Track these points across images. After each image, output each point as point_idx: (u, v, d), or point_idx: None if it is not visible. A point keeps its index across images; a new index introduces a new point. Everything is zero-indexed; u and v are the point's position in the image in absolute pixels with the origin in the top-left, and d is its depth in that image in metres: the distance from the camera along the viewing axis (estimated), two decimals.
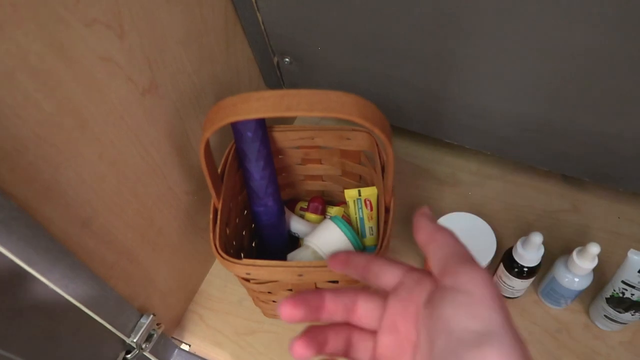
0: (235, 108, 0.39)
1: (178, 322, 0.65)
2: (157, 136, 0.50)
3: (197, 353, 0.63)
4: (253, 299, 0.59)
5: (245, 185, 0.57)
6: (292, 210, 0.65)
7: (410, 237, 0.68)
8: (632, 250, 0.50)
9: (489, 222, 0.59)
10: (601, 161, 0.58)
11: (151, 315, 0.53)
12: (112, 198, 0.46)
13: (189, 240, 0.61)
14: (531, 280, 0.58)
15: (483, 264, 0.57)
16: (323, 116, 0.38)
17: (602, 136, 0.55)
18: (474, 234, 0.59)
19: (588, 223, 0.67)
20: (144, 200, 0.50)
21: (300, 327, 0.65)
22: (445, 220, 0.60)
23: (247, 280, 0.50)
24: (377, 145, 0.54)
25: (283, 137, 0.57)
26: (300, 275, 0.47)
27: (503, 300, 0.23)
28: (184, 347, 0.63)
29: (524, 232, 0.60)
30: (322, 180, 0.64)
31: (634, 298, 0.52)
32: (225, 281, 0.67)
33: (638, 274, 0.50)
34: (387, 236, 0.48)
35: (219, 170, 0.53)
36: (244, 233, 0.62)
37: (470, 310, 0.22)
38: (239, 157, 0.55)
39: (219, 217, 0.50)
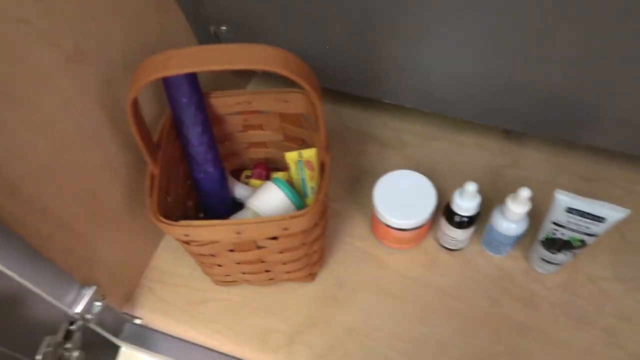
0: (157, 65, 0.39)
1: (129, 297, 0.65)
2: (87, 105, 0.49)
3: (149, 325, 0.63)
4: (201, 268, 0.59)
5: (185, 153, 0.56)
6: (238, 179, 0.66)
7: (356, 200, 0.69)
8: (557, 190, 0.52)
9: (434, 181, 0.61)
10: (535, 111, 0.61)
11: (94, 287, 0.53)
12: (43, 166, 0.45)
13: (135, 214, 0.61)
14: (471, 230, 0.60)
15: (424, 217, 0.58)
16: (244, 68, 0.38)
17: (532, 86, 0.57)
18: (415, 190, 0.60)
19: (528, 175, 0.70)
20: (80, 170, 0.50)
21: (252, 294, 0.66)
22: (386, 179, 0.61)
23: (188, 243, 0.50)
24: (313, 104, 0.55)
25: (220, 103, 0.57)
26: (238, 232, 0.47)
27: None
28: (136, 321, 0.63)
29: None
30: (266, 147, 0.65)
31: (565, 238, 0.55)
32: (176, 254, 0.67)
33: (565, 213, 0.52)
34: (324, 191, 0.48)
35: (156, 139, 0.53)
36: (189, 204, 0.62)
37: None
38: (177, 125, 0.55)
39: (156, 183, 0.50)
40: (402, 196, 0.60)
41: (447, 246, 0.64)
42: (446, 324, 0.60)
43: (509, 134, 0.75)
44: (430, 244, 0.66)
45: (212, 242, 0.50)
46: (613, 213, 0.50)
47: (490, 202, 0.64)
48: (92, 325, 0.55)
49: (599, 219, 0.51)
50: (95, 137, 0.51)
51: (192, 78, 0.53)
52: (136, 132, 0.44)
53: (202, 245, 0.50)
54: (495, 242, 0.61)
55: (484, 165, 0.72)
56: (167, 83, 0.52)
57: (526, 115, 0.62)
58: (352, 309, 0.62)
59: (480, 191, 0.64)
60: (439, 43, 0.55)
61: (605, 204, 0.50)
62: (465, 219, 0.58)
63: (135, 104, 0.42)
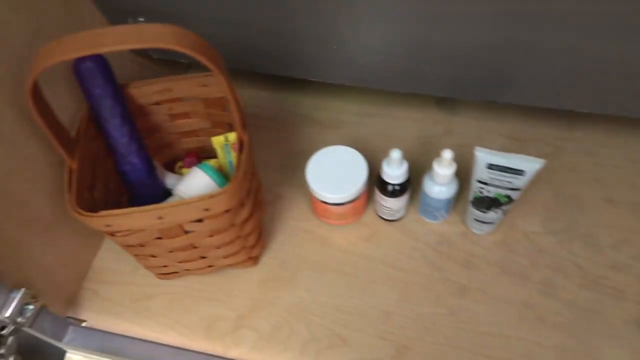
0: (50, 51, 0.39)
1: (72, 300, 0.64)
2: None
3: (94, 327, 0.62)
4: (139, 262, 0.58)
5: (108, 147, 0.56)
6: (172, 170, 0.65)
7: (296, 182, 0.70)
8: (477, 147, 0.53)
9: (371, 156, 0.62)
10: (458, 75, 0.62)
11: (22, 289, 0.52)
12: None
13: (67, 216, 0.59)
14: (404, 198, 0.61)
15: (357, 189, 0.59)
16: (138, 47, 0.38)
17: (451, 49, 0.58)
18: (346, 164, 0.61)
19: (461, 142, 0.71)
20: None
21: (196, 285, 0.66)
22: (318, 157, 0.62)
23: (113, 234, 0.49)
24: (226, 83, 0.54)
25: (139, 94, 0.57)
26: (160, 217, 0.47)
27: None
28: (82, 324, 0.62)
29: None
30: (197, 136, 0.65)
31: (491, 195, 0.56)
32: (118, 253, 0.66)
33: (487, 170, 0.53)
34: (243, 169, 0.49)
35: (74, 133, 0.53)
36: (122, 199, 0.61)
37: None
38: (96, 118, 0.54)
39: (74, 177, 0.49)
40: (334, 172, 0.60)
41: (385, 217, 0.65)
42: (389, 293, 0.61)
43: (441, 103, 0.76)
44: (370, 218, 0.67)
45: (137, 231, 0.49)
46: (530, 164, 0.51)
47: (426, 171, 0.65)
48: (28, 330, 0.54)
49: (518, 172, 0.52)
50: (9, 135, 0.50)
51: (104, 68, 0.52)
52: (42, 123, 0.43)
53: (128, 234, 0.49)
54: (430, 208, 0.62)
55: (419, 136, 0.73)
56: (78, 75, 0.51)
57: (451, 80, 0.63)
58: (297, 288, 0.62)
59: (416, 161, 0.66)
60: (354, 14, 0.56)
61: (522, 156, 0.52)
62: (397, 187, 0.59)
63: (35, 93, 0.41)
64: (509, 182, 0.53)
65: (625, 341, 0.55)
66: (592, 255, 0.61)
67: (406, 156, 0.57)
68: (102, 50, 0.38)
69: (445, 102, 0.76)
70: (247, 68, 0.70)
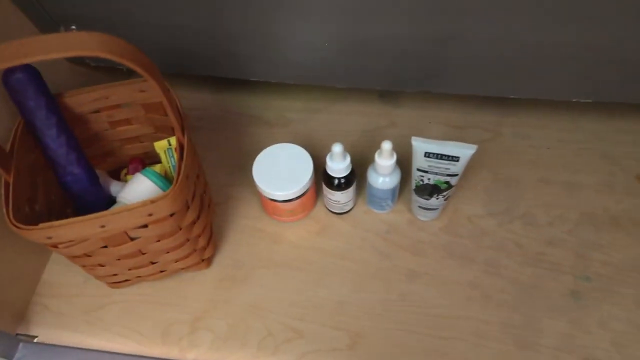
0: None
1: (22, 316, 0.62)
2: None
3: (46, 342, 0.61)
4: (87, 272, 0.57)
5: (47, 158, 0.55)
6: (118, 178, 0.65)
7: (246, 182, 0.70)
8: (413, 137, 0.55)
9: (317, 151, 0.63)
10: (394, 68, 0.64)
11: None
12: None
13: (10, 231, 0.58)
14: (350, 190, 0.63)
15: (304, 184, 0.60)
16: (65, 56, 0.38)
17: (382, 43, 0.59)
18: (292, 160, 0.62)
19: (404, 133, 0.73)
20: None
21: (150, 291, 0.66)
22: (263, 155, 0.62)
23: (56, 246, 0.49)
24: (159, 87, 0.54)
25: (76, 103, 0.56)
26: (102, 226, 0.47)
27: None
28: (30, 339, 0.61)
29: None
30: (141, 142, 0.64)
31: (431, 182, 0.58)
32: (68, 266, 0.65)
33: (425, 158, 0.55)
34: (184, 172, 0.49)
35: (9, 147, 0.52)
36: (67, 211, 0.60)
37: None
38: (31, 130, 0.53)
39: (10, 190, 0.48)
40: (280, 169, 0.61)
41: (335, 211, 0.67)
42: (341, 285, 0.62)
43: (384, 97, 0.78)
44: (320, 212, 0.68)
45: (81, 241, 0.49)
46: (464, 150, 0.54)
47: (371, 163, 0.67)
48: None
49: (453, 158, 0.54)
50: None
51: (36, 79, 0.51)
52: None
53: (71, 245, 0.49)
54: (376, 199, 0.64)
55: (364, 130, 0.75)
56: (9, 88, 0.50)
57: (387, 74, 0.65)
58: (251, 286, 0.63)
59: (362, 154, 0.67)
60: (287, 13, 0.57)
61: (456, 143, 0.54)
62: (342, 180, 0.61)
63: None
64: (446, 168, 0.56)
65: (562, 312, 0.58)
66: (531, 233, 0.64)
67: (352, 149, 0.58)
68: (27, 60, 0.38)
69: (388, 95, 0.78)
70: (188, 71, 0.70)
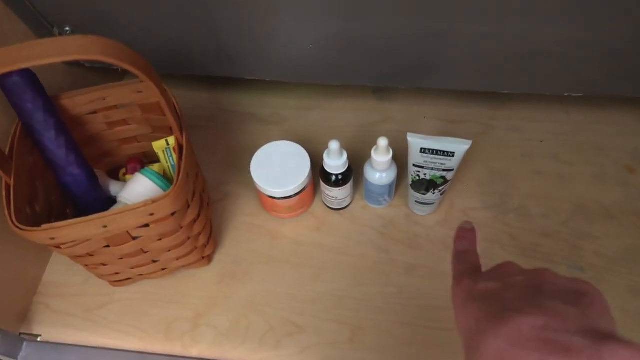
0: None
1: (24, 316, 0.63)
2: None
3: (49, 340, 0.62)
4: (89, 271, 0.58)
5: (46, 160, 0.55)
6: (117, 178, 0.65)
7: (243, 179, 0.71)
8: (408, 133, 0.56)
9: (312, 148, 0.64)
10: (385, 64, 0.65)
11: None
12: None
13: (9, 233, 0.59)
14: (348, 186, 0.63)
15: (302, 181, 0.61)
16: (63, 60, 0.38)
17: (373, 40, 0.60)
18: (289, 157, 0.63)
19: (398, 128, 0.74)
20: None
21: (151, 288, 0.66)
22: (261, 153, 0.63)
23: (59, 247, 0.49)
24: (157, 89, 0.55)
25: (73, 104, 0.56)
26: (105, 226, 0.47)
27: None
28: (33, 339, 0.62)
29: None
30: (138, 142, 0.65)
31: (427, 177, 0.59)
32: (69, 265, 0.66)
33: (420, 154, 0.56)
34: (184, 171, 0.49)
35: (7, 150, 0.52)
36: (67, 211, 0.61)
37: None
38: (29, 133, 0.54)
39: (12, 193, 0.49)
40: (278, 166, 0.62)
41: (332, 206, 0.67)
42: (340, 279, 0.63)
43: (378, 92, 0.79)
44: (318, 208, 0.69)
45: (83, 241, 0.49)
46: (459, 146, 0.54)
47: (368, 159, 0.68)
48: None
49: (448, 153, 0.55)
50: None
51: (33, 81, 0.52)
52: None
53: (74, 246, 0.49)
54: (373, 195, 0.65)
55: (359, 125, 0.75)
56: (6, 91, 0.51)
57: (380, 70, 0.66)
58: (252, 282, 0.64)
59: (357, 150, 0.68)
60: (278, 11, 0.57)
61: (451, 139, 0.55)
62: (340, 177, 0.62)
63: None
64: (442, 164, 0.57)
65: None
66: (525, 224, 0.65)
67: (348, 145, 0.59)
68: (26, 65, 0.38)
69: (382, 91, 0.79)
70: (183, 72, 0.70)
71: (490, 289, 0.30)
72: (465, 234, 0.39)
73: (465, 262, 0.36)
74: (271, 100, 0.79)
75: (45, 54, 0.38)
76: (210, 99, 0.80)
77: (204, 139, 0.75)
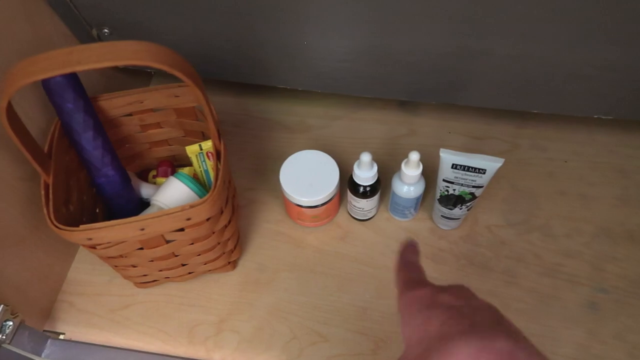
0: (24, 71, 0.39)
1: (48, 313, 0.63)
2: None
3: (72, 339, 0.62)
4: (118, 272, 0.58)
5: (82, 160, 0.56)
6: (146, 180, 0.66)
7: (268, 186, 0.71)
8: (442, 149, 0.56)
9: (338, 158, 0.64)
10: (416, 80, 0.65)
11: (1, 306, 0.51)
12: None
13: (38, 230, 0.59)
14: (375, 198, 0.64)
15: (330, 191, 0.61)
16: (115, 65, 0.39)
17: (408, 56, 0.61)
18: (318, 167, 0.63)
19: (424, 142, 0.75)
20: None
21: (175, 291, 0.66)
22: (290, 161, 0.64)
23: (94, 247, 0.50)
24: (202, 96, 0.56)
25: (110, 106, 0.57)
26: (142, 229, 0.48)
27: None
28: (56, 336, 0.62)
29: None
30: (169, 145, 0.65)
31: (456, 193, 0.60)
32: (93, 264, 0.66)
33: (452, 169, 0.57)
34: (221, 177, 0.50)
35: (46, 149, 0.52)
36: (97, 211, 0.61)
37: None
38: (68, 132, 0.54)
39: (50, 191, 0.49)
40: (307, 175, 0.62)
41: (358, 217, 0.68)
42: (364, 290, 0.63)
43: (404, 105, 0.79)
44: (343, 219, 0.69)
45: (118, 243, 0.50)
46: (491, 163, 0.55)
47: (392, 171, 0.68)
48: (8, 346, 0.53)
49: (480, 170, 0.56)
50: None
51: (75, 82, 0.52)
52: (18, 141, 0.43)
53: (109, 247, 0.50)
54: (399, 207, 0.65)
55: (383, 138, 0.76)
56: (48, 90, 0.51)
57: (411, 85, 0.66)
58: (275, 289, 0.64)
59: (382, 161, 0.69)
60: (316, 25, 0.58)
61: (483, 156, 0.55)
62: (368, 189, 0.62)
63: (10, 112, 0.41)
64: (472, 180, 0.57)
65: (579, 322, 0.60)
66: (548, 244, 0.66)
67: (373, 157, 0.59)
68: (80, 68, 0.38)
69: (408, 103, 0.80)
70: (213, 76, 0.71)
71: (454, 304, 0.31)
72: (412, 248, 0.39)
73: (415, 272, 0.37)
74: (298, 108, 0.80)
75: (100, 58, 0.39)
76: (238, 105, 0.81)
77: (229, 143, 0.76)
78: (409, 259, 0.38)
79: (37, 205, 0.58)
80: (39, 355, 0.59)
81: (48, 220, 0.48)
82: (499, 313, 0.30)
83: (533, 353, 0.27)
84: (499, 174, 0.70)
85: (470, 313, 0.29)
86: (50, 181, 0.50)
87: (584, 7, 0.50)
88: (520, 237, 0.66)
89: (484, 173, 0.56)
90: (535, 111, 0.67)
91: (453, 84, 0.65)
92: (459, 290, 0.33)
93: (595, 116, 0.66)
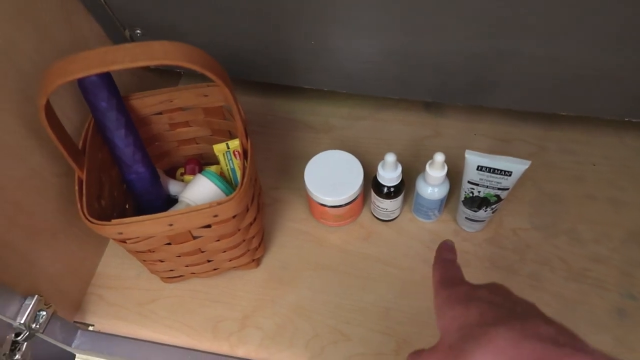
0: (61, 70, 0.40)
1: (79, 305, 0.65)
2: (3, 118, 0.50)
3: (101, 331, 0.64)
4: (146, 266, 0.60)
5: (114, 157, 0.58)
6: (173, 177, 0.67)
7: (292, 185, 0.72)
8: (467, 150, 0.56)
9: (362, 158, 0.64)
10: (443, 81, 0.65)
11: (35, 296, 0.53)
12: None
13: (71, 224, 0.61)
14: (399, 199, 0.64)
15: (354, 191, 0.61)
16: (148, 65, 0.40)
17: (436, 58, 0.61)
18: (343, 167, 0.63)
19: (449, 144, 0.75)
20: (2, 184, 0.50)
21: (200, 287, 0.67)
22: (315, 161, 0.64)
23: (124, 241, 0.51)
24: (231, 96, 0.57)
25: (142, 105, 0.58)
26: (170, 224, 0.49)
27: None
28: (89, 328, 0.64)
29: None
30: (197, 143, 0.67)
31: (481, 195, 0.59)
32: (122, 259, 0.68)
33: (477, 171, 0.57)
34: (248, 175, 0.51)
35: (80, 145, 0.54)
36: (127, 206, 0.63)
37: None
38: (101, 130, 0.56)
39: (84, 187, 0.51)
40: (331, 175, 0.63)
41: (381, 218, 0.68)
42: (387, 291, 0.63)
43: (429, 107, 0.79)
44: (366, 219, 0.69)
45: (147, 238, 0.51)
46: (517, 166, 0.55)
47: (417, 172, 0.68)
48: (41, 335, 0.55)
49: (506, 173, 0.55)
50: (16, 148, 0.52)
51: (109, 81, 0.54)
52: (55, 137, 0.45)
53: (138, 241, 0.51)
54: (423, 208, 0.65)
55: (408, 139, 0.76)
56: (83, 89, 0.53)
57: (438, 86, 0.66)
58: (298, 288, 0.65)
59: (406, 163, 0.69)
60: (344, 25, 0.59)
61: (509, 158, 0.55)
62: (392, 189, 0.62)
63: (48, 110, 0.43)
64: (498, 182, 0.57)
65: (607, 328, 0.59)
66: (575, 248, 0.65)
67: (397, 158, 0.59)
68: (115, 68, 0.40)
69: (433, 105, 0.79)
70: (240, 77, 0.72)
71: (492, 299, 0.31)
72: (449, 247, 0.40)
73: (453, 269, 0.37)
74: (323, 108, 0.80)
75: (135, 58, 0.40)
76: (263, 104, 0.82)
77: (254, 143, 0.76)
78: (446, 257, 0.38)
79: (70, 201, 0.59)
80: (69, 345, 0.61)
81: (81, 214, 0.49)
82: (538, 307, 0.31)
83: (576, 338, 0.26)
84: (525, 177, 0.69)
85: (510, 305, 0.30)
86: (83, 177, 0.52)
87: (615, 8, 0.49)
88: (547, 240, 0.65)
89: (510, 175, 0.55)
90: (563, 113, 0.66)
91: (480, 86, 0.65)
92: (496, 288, 0.33)
93: (626, 119, 0.65)
